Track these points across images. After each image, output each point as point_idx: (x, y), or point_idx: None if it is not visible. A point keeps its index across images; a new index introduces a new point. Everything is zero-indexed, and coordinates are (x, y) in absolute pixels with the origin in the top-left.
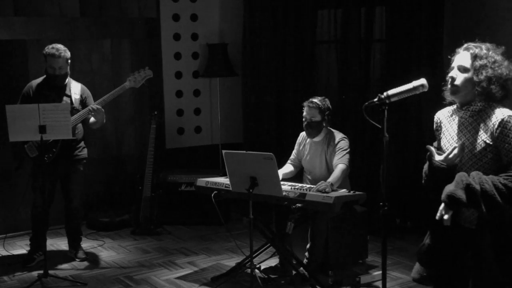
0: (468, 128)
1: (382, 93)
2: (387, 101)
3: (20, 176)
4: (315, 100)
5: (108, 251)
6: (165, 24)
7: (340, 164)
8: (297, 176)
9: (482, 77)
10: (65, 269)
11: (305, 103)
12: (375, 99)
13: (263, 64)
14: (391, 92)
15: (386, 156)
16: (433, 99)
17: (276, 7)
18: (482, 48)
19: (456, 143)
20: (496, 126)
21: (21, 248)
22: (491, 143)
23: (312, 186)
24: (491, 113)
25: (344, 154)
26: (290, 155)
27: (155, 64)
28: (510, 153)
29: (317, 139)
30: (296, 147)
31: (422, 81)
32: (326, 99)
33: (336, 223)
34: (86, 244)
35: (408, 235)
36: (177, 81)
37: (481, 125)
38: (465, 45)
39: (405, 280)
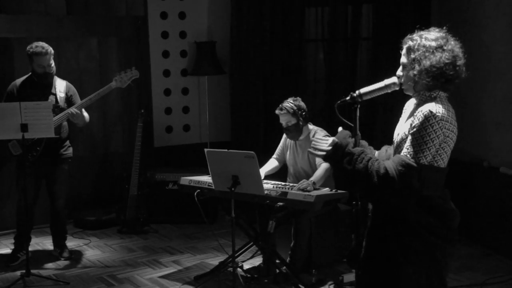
0: (405, 119)
1: (354, 91)
2: (360, 100)
3: (4, 175)
4: (284, 104)
5: (94, 250)
6: (153, 22)
7: (323, 163)
8: (282, 173)
9: (415, 71)
10: (49, 268)
11: (276, 111)
12: (347, 97)
13: (251, 62)
14: (363, 90)
15: None
16: None
17: (263, 5)
18: (416, 40)
19: (397, 132)
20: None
21: (5, 247)
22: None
23: (295, 184)
24: (420, 106)
25: None
26: None
27: (143, 62)
28: (408, 147)
29: (300, 138)
30: (281, 143)
31: (394, 79)
32: (298, 98)
33: (319, 221)
34: (72, 243)
35: None
36: (165, 79)
37: (411, 117)
38: (405, 38)
39: None
